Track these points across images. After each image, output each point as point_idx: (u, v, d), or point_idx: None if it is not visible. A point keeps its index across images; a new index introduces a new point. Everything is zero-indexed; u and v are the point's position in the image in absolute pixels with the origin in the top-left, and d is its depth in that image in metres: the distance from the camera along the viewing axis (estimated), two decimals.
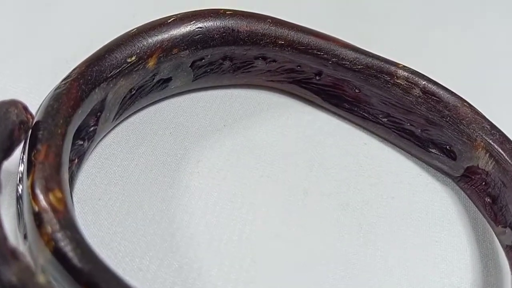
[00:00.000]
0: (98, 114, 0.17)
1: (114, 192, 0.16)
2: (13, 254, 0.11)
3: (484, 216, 0.17)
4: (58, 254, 0.12)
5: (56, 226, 0.12)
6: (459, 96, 0.17)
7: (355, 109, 0.19)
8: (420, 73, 0.18)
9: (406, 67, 0.18)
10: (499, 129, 0.17)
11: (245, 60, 0.19)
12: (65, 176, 0.14)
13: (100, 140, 0.18)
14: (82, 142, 0.16)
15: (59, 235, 0.12)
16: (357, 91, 0.19)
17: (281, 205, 0.17)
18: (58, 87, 0.16)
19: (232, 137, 0.19)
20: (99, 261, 0.12)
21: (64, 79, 0.16)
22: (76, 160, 0.16)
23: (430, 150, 0.18)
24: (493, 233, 0.17)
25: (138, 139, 0.18)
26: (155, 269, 0.15)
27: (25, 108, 0.15)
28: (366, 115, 0.19)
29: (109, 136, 0.18)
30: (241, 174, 0.18)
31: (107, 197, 0.16)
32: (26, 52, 0.20)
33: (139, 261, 0.15)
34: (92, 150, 0.18)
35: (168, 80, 0.19)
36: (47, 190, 0.13)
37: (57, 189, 0.13)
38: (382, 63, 0.18)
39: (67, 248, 0.12)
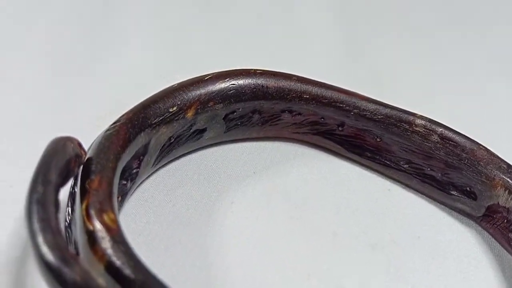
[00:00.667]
0: (141, 157, 0.18)
1: (153, 229, 0.17)
2: (75, 258, 0.12)
3: (509, 252, 0.18)
4: (112, 268, 0.13)
5: (110, 243, 0.13)
6: (475, 141, 0.19)
7: (377, 157, 0.20)
8: (436, 121, 0.19)
9: (423, 116, 0.20)
10: None
11: (272, 113, 0.21)
12: (116, 203, 0.15)
13: (140, 185, 0.19)
14: (125, 182, 0.18)
15: (112, 250, 0.13)
16: (378, 140, 0.20)
17: (311, 245, 0.18)
18: (108, 130, 0.17)
19: (262, 182, 0.20)
20: (151, 273, 0.13)
21: (114, 123, 0.17)
22: (120, 198, 0.17)
23: (451, 192, 0.19)
24: None
25: (175, 183, 0.19)
26: None
27: (80, 144, 0.16)
28: (388, 162, 0.20)
29: (147, 181, 0.19)
30: (272, 215, 0.18)
31: (147, 233, 0.17)
32: (70, 107, 0.22)
33: None
34: (132, 193, 0.19)
35: (203, 130, 0.20)
36: (101, 212, 0.14)
37: (110, 210, 0.14)
38: (401, 113, 0.20)
39: (120, 260, 0.13)
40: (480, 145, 0.19)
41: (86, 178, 0.15)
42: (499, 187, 0.18)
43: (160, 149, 0.19)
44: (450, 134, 0.19)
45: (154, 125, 0.18)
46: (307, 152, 0.22)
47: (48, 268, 0.11)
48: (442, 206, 0.20)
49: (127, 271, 0.13)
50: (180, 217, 0.18)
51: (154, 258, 0.16)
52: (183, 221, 0.18)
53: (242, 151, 0.21)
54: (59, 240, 0.12)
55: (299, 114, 0.21)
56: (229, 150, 0.21)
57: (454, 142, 0.19)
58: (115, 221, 0.14)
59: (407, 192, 0.20)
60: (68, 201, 0.16)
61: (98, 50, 0.26)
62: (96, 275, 0.12)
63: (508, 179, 0.18)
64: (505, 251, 0.18)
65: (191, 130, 0.20)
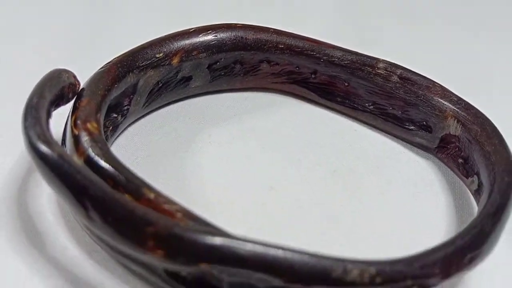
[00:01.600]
0: (131, 96, 0.21)
1: (140, 155, 0.20)
2: (56, 143, 0.14)
3: (459, 176, 0.19)
4: (89, 160, 0.15)
5: (90, 142, 0.16)
6: (430, 79, 0.21)
7: (346, 101, 0.22)
8: (396, 63, 0.21)
9: (385, 60, 0.21)
10: (464, 100, 0.20)
11: (252, 64, 0.23)
12: (101, 121, 0.17)
13: (130, 124, 0.22)
14: (116, 115, 0.20)
15: (91, 148, 0.15)
16: (346, 84, 0.22)
17: (277, 167, 0.20)
18: (100, 68, 0.20)
19: (240, 123, 0.22)
20: (122, 164, 0.15)
21: (105, 64, 0.20)
22: (111, 127, 0.20)
23: (410, 128, 0.21)
24: (468, 190, 0.19)
25: (162, 122, 0.22)
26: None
27: (74, 76, 0.19)
28: (355, 105, 0.22)
29: (138, 122, 0.22)
30: (245, 146, 0.21)
31: (133, 158, 0.20)
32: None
33: None
34: (124, 130, 0.21)
35: (189, 78, 0.23)
36: (85, 121, 0.16)
37: (94, 121, 0.17)
38: (364, 58, 0.22)
39: (97, 154, 0.15)
40: (435, 82, 0.20)
41: (77, 100, 0.18)
42: (449, 118, 0.19)
43: (149, 92, 0.22)
44: (408, 74, 0.21)
45: (142, 67, 0.21)
46: (285, 101, 0.24)
47: (33, 149, 0.14)
48: (404, 143, 0.21)
49: (102, 162, 0.15)
50: (165, 146, 0.20)
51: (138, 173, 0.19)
52: (167, 149, 0.20)
53: (226, 99, 0.24)
54: (46, 132, 0.15)
55: (277, 64, 0.23)
56: (214, 98, 0.24)
57: (412, 81, 0.21)
58: (97, 128, 0.16)
59: (372, 131, 0.22)
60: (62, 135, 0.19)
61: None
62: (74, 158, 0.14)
63: (457, 109, 0.19)
64: (457, 177, 0.20)
65: (178, 77, 0.22)
